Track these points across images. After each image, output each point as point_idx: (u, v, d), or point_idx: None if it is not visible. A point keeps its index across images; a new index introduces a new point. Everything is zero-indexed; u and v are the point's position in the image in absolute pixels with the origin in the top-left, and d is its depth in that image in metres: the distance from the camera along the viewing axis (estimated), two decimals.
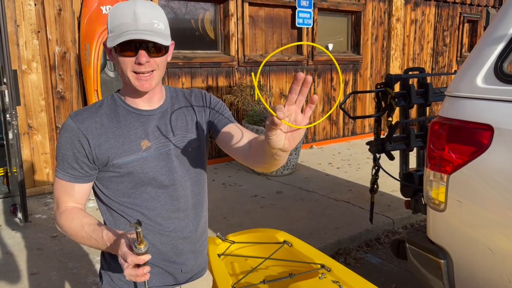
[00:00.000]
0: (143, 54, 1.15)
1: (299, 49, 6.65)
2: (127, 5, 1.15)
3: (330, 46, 7.12)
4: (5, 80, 3.73)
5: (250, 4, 5.99)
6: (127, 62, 1.17)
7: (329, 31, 7.10)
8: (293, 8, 6.40)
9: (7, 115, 3.81)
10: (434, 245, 1.98)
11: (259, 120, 5.37)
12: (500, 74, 1.75)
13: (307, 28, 6.59)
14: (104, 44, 1.22)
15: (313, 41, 6.67)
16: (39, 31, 4.48)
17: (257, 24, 6.23)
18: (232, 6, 5.81)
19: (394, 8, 7.59)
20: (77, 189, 1.24)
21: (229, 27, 5.85)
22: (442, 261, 1.89)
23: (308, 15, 6.49)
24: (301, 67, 6.66)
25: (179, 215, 1.29)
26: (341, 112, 7.32)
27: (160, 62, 1.19)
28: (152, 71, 1.19)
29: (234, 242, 2.07)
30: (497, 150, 1.70)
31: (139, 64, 1.15)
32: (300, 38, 6.59)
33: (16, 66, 4.33)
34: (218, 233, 2.08)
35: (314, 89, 6.89)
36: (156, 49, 1.17)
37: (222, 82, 5.92)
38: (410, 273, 3.16)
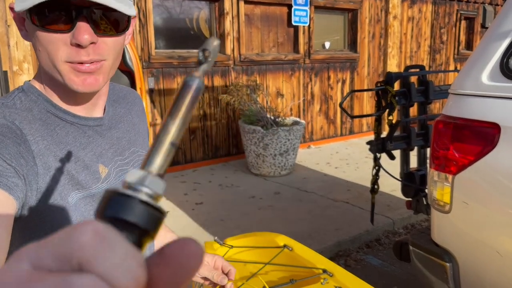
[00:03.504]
0: (84, 28, 0.65)
1: (295, 47, 6.58)
2: None
3: (327, 44, 7.07)
4: None
5: (246, 2, 5.92)
6: (56, 42, 0.67)
7: (325, 29, 7.03)
8: (289, 6, 6.33)
9: None
10: (439, 248, 1.92)
11: (256, 120, 5.30)
12: (506, 70, 1.69)
13: (304, 26, 6.53)
14: (12, 9, 0.71)
15: (310, 39, 6.61)
16: None
17: (253, 23, 6.15)
18: (227, 4, 5.73)
19: (391, 5, 7.54)
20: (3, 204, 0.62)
21: (224, 25, 5.77)
22: (448, 264, 1.83)
23: (304, 13, 6.42)
24: (298, 65, 6.60)
25: None
26: (339, 111, 7.26)
27: (114, 45, 0.71)
28: (100, 60, 0.70)
29: (232, 247, 2.00)
30: (505, 149, 1.63)
31: (78, 45, 0.66)
32: (296, 37, 6.53)
33: (7, 67, 4.24)
34: (216, 237, 2.01)
35: (311, 87, 6.83)
36: (108, 21, 0.68)
37: (218, 81, 5.84)
38: (411, 275, 3.11)
